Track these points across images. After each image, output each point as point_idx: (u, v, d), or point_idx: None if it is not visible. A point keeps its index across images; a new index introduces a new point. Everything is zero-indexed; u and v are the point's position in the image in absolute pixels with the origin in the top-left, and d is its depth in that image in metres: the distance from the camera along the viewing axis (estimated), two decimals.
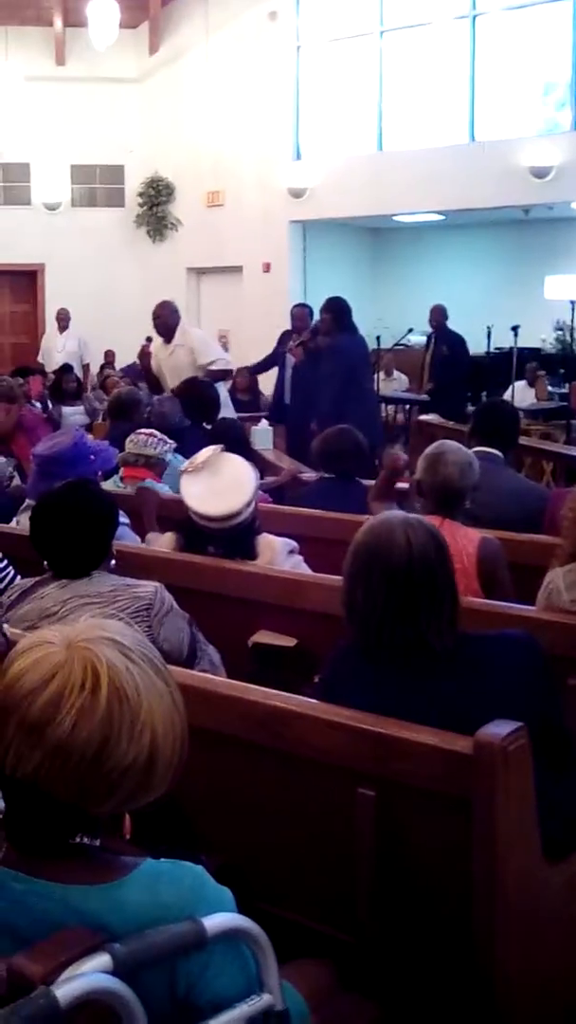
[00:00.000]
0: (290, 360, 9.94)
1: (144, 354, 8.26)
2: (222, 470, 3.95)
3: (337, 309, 8.66)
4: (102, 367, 14.59)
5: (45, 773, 1.50)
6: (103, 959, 1.42)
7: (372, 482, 5.50)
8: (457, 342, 12.10)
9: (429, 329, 12.60)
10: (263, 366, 10.89)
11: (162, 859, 1.60)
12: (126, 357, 14.24)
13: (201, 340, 8.28)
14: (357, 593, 2.48)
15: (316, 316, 9.55)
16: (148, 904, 1.52)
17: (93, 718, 1.51)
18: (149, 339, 8.27)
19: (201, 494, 3.90)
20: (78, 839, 1.56)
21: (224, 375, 8.34)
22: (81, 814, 1.55)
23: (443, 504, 3.82)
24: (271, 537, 4.03)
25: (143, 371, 8.39)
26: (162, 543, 4.20)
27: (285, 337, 10.22)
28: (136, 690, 1.54)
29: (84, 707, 1.51)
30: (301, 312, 10.17)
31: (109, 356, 14.67)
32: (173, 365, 8.04)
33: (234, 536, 3.92)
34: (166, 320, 8.14)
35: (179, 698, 1.62)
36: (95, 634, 1.59)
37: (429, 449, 4.01)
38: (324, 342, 8.76)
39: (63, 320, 14.24)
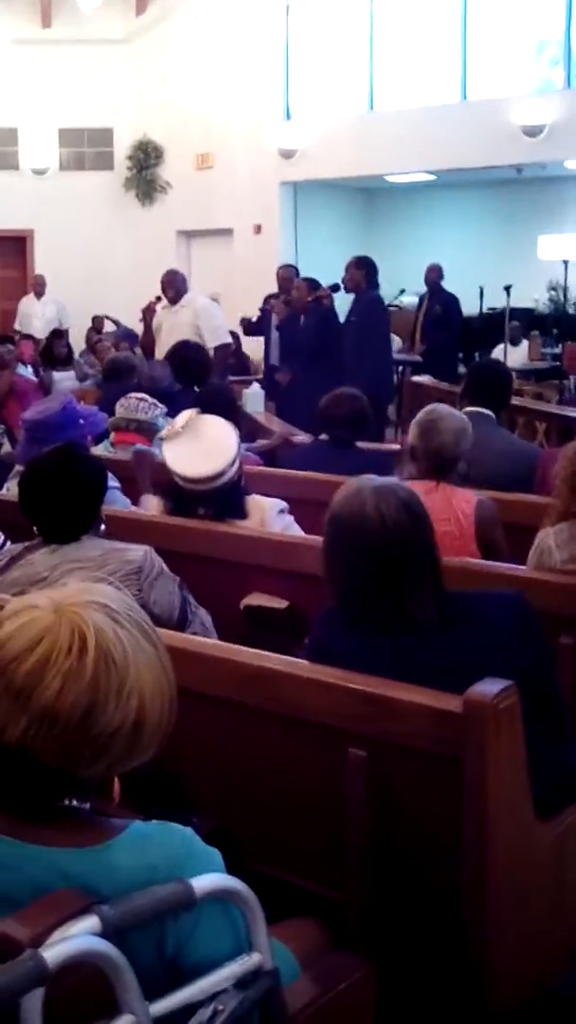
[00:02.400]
0: (274, 322, 9.95)
1: (149, 309, 8.51)
2: (203, 432, 3.94)
3: (370, 265, 8.89)
4: (89, 332, 14.54)
5: (32, 738, 1.50)
6: (91, 921, 1.42)
7: (372, 445, 5.49)
8: (450, 301, 12.01)
9: (421, 290, 12.52)
10: (251, 329, 10.84)
11: (151, 821, 1.60)
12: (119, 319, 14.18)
13: (208, 315, 8.48)
14: (336, 567, 2.47)
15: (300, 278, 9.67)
16: (136, 866, 1.52)
17: (80, 682, 1.50)
18: (159, 297, 8.50)
19: (183, 456, 3.89)
20: (67, 802, 1.56)
21: (227, 352, 8.54)
22: (69, 778, 1.54)
23: (437, 469, 3.82)
24: (260, 498, 4.03)
25: (144, 326, 8.64)
26: (150, 508, 4.19)
27: (267, 301, 10.29)
28: (123, 654, 1.53)
29: (71, 671, 1.50)
30: (286, 273, 10.19)
31: (97, 323, 14.60)
32: (173, 323, 8.34)
33: (222, 497, 3.91)
34: (178, 288, 8.46)
35: (167, 662, 1.61)
36: (83, 598, 1.58)
37: (422, 415, 3.98)
38: (322, 305, 8.85)
39: (39, 286, 14.35)
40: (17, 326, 14.05)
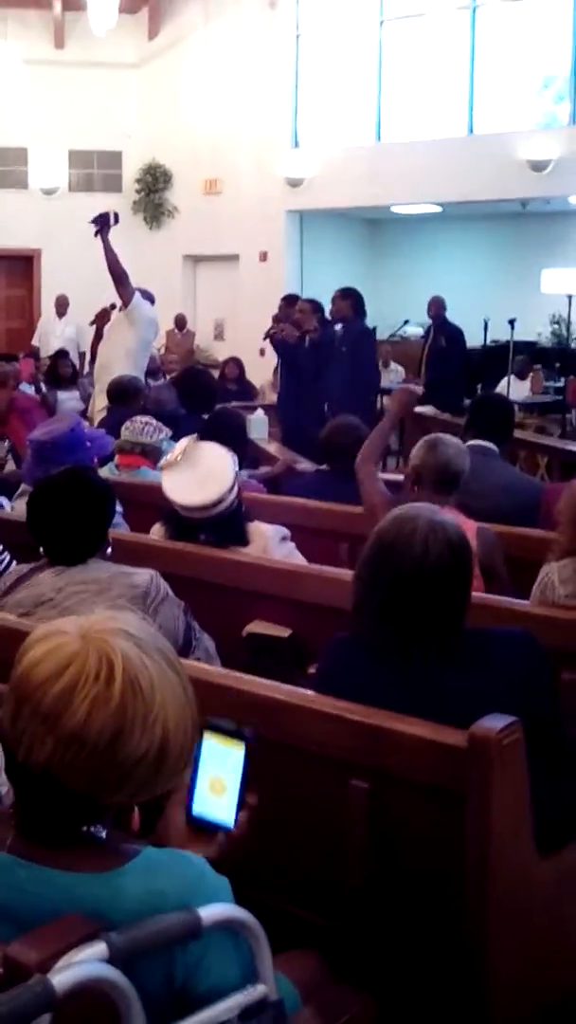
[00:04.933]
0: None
1: (103, 314, 8.72)
2: (200, 460, 3.95)
3: (356, 296, 8.88)
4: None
5: (58, 762, 1.50)
6: (99, 947, 1.42)
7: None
8: (455, 334, 12.05)
9: (425, 321, 12.58)
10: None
11: (161, 848, 1.61)
12: None
13: (137, 306, 8.52)
14: (363, 578, 2.49)
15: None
16: (146, 893, 1.53)
17: (107, 708, 1.51)
18: (114, 305, 8.71)
19: (181, 485, 3.91)
20: (86, 828, 1.56)
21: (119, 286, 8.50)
22: (91, 804, 1.55)
23: (442, 487, 3.84)
24: (262, 525, 4.04)
25: (96, 331, 8.79)
26: (151, 534, 4.21)
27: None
28: (150, 682, 1.54)
29: (98, 697, 1.51)
30: (286, 303, 10.28)
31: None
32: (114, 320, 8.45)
33: (222, 524, 3.92)
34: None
35: (191, 691, 1.62)
36: (109, 625, 1.59)
37: (425, 437, 4.08)
38: (315, 334, 8.87)
39: (62, 306, 14.33)
40: (35, 342, 14.08)
